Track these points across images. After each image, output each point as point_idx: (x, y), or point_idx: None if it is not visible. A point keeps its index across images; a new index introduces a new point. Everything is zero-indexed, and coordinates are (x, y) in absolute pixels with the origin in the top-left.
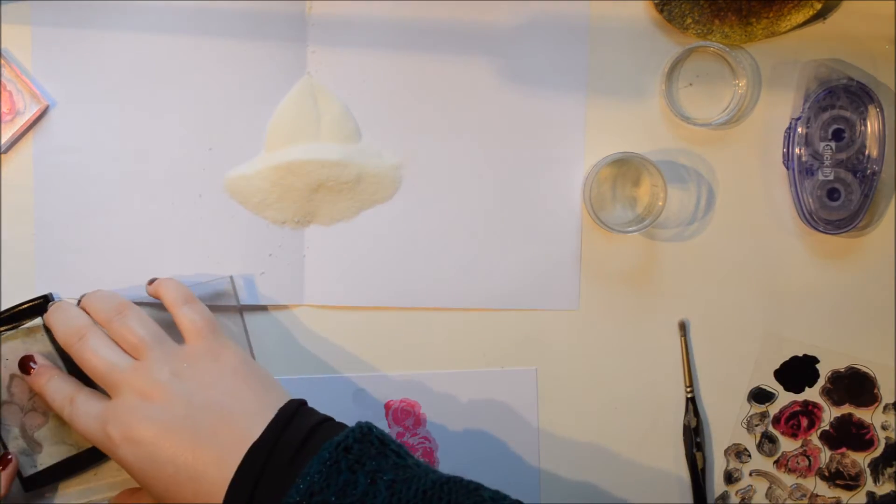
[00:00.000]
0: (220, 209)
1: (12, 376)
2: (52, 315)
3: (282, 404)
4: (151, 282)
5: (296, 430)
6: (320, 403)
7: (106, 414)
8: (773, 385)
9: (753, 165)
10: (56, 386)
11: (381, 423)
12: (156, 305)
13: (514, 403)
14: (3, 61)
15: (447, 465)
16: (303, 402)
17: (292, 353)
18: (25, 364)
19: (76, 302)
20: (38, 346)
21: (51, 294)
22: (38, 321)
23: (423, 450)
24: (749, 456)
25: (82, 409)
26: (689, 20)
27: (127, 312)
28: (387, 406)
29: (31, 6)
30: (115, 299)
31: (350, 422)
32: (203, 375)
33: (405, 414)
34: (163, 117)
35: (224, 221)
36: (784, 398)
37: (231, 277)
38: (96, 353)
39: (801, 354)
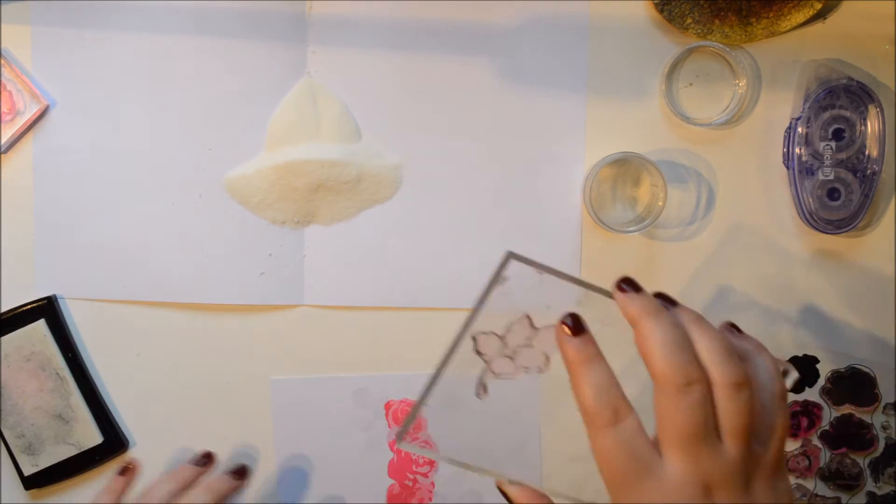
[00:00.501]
0: (220, 209)
1: None
2: (652, 320)
3: None
4: (623, 287)
5: None
6: (321, 403)
7: (656, 478)
8: None
9: (753, 165)
10: (602, 377)
11: (381, 423)
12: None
13: (515, 405)
14: (3, 61)
15: (447, 467)
16: None
17: (292, 353)
18: (574, 322)
19: None
20: (39, 347)
21: (54, 296)
22: (40, 322)
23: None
24: None
25: (629, 444)
26: (689, 20)
27: (747, 388)
28: (387, 406)
29: (31, 6)
30: (738, 364)
31: (350, 421)
32: (767, 496)
33: (405, 414)
34: (163, 117)
35: (224, 221)
36: None
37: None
38: (694, 414)
39: (801, 354)
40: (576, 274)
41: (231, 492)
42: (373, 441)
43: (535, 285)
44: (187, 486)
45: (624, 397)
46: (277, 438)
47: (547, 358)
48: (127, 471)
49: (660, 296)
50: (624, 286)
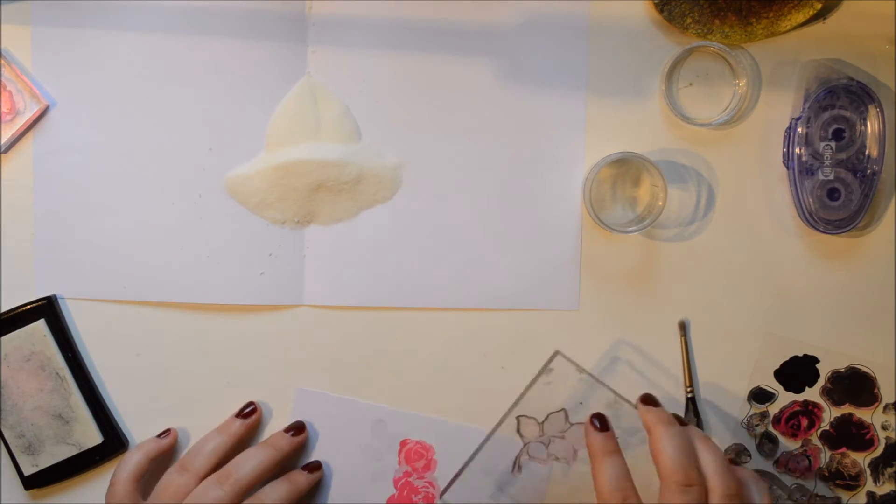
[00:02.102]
0: (220, 209)
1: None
2: (665, 432)
3: None
4: (647, 401)
5: None
6: (339, 423)
7: None
8: (773, 385)
9: (753, 165)
10: (616, 470)
11: (392, 458)
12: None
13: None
14: (3, 61)
15: None
16: None
17: (292, 353)
18: (601, 422)
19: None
20: (39, 347)
21: (54, 296)
22: (40, 322)
23: (426, 494)
24: (749, 456)
25: None
26: (689, 20)
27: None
28: (402, 443)
29: (31, 6)
30: (736, 481)
31: (362, 448)
32: None
33: (417, 456)
34: (163, 117)
35: (224, 221)
36: (784, 398)
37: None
38: None
39: (801, 354)
40: (575, 273)
41: (292, 448)
42: (379, 473)
43: (575, 384)
44: (237, 439)
45: (633, 487)
46: None
47: (575, 452)
48: (166, 435)
49: (676, 416)
50: (647, 399)
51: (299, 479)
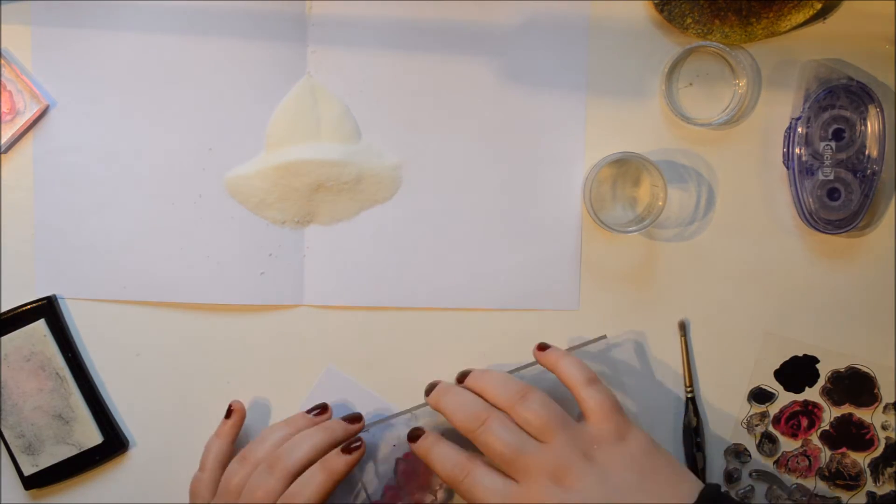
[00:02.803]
0: (220, 209)
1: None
2: (445, 399)
3: (699, 489)
4: (542, 347)
5: None
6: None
7: (516, 496)
8: (773, 385)
9: (753, 165)
10: (443, 453)
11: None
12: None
13: None
14: (3, 61)
15: None
16: (718, 486)
17: (292, 353)
18: (410, 435)
19: (455, 381)
20: (39, 347)
21: (54, 296)
22: (40, 322)
23: None
24: (749, 456)
25: (483, 483)
26: (689, 20)
27: (529, 396)
28: (406, 455)
29: (31, 6)
30: (514, 383)
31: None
32: (614, 457)
33: (414, 473)
34: (163, 117)
35: (224, 221)
36: (784, 398)
37: (605, 337)
38: (500, 438)
39: (801, 354)
40: (575, 273)
41: (347, 436)
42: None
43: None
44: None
45: (464, 452)
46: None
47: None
48: (232, 412)
49: (461, 375)
50: (429, 387)
51: (336, 464)
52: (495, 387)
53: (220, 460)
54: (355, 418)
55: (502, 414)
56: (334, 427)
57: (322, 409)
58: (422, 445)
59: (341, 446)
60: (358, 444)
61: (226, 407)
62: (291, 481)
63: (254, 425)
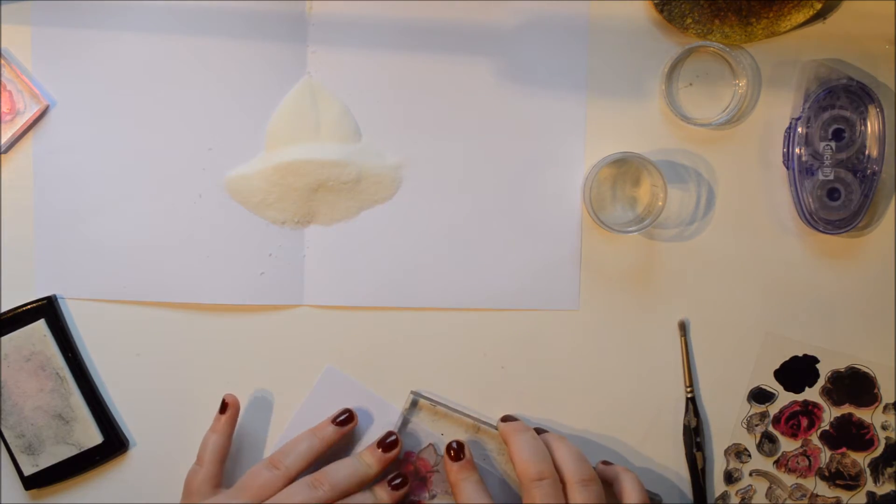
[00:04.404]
0: (220, 209)
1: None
2: (521, 436)
3: None
4: (505, 419)
5: None
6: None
7: None
8: (773, 385)
9: (753, 165)
10: (472, 490)
11: (392, 466)
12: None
13: None
14: (3, 61)
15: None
16: None
17: (292, 353)
18: (455, 451)
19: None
20: (39, 347)
21: (54, 296)
22: (40, 322)
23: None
24: (749, 456)
25: None
26: (689, 20)
27: (592, 485)
28: (407, 454)
29: (31, 6)
30: (586, 466)
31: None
32: None
33: (416, 473)
34: (163, 117)
35: (224, 221)
36: (784, 398)
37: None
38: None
39: (801, 354)
40: (575, 273)
41: (385, 465)
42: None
43: (435, 417)
44: (330, 444)
45: (489, 494)
46: (290, 427)
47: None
48: (227, 406)
49: (536, 429)
50: (506, 418)
51: (381, 495)
52: (569, 457)
53: (219, 455)
54: (392, 444)
55: (559, 484)
56: (371, 460)
57: (348, 416)
58: (453, 471)
59: (388, 479)
60: (401, 481)
61: None
62: (338, 499)
63: (254, 425)
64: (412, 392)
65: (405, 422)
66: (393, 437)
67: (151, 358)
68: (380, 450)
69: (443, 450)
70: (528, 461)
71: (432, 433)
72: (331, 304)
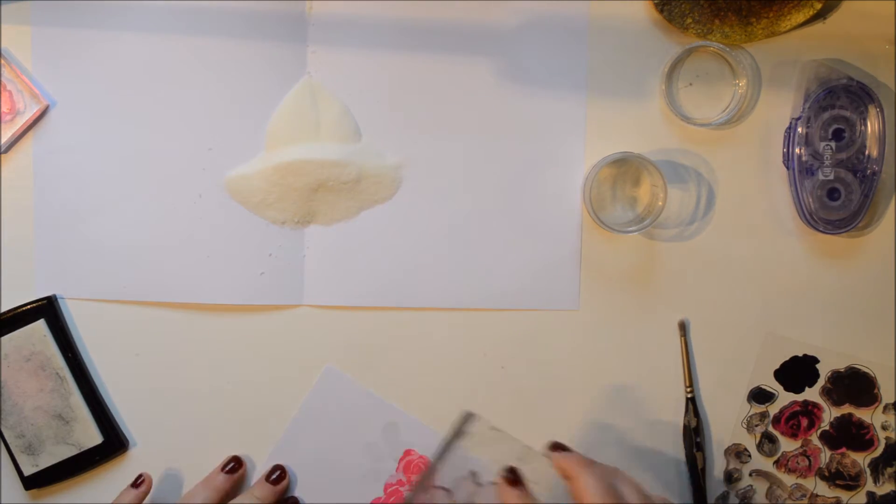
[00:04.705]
0: (220, 209)
1: None
2: (588, 472)
3: None
4: (556, 447)
5: None
6: (353, 416)
7: None
8: (773, 385)
9: (753, 165)
10: None
11: (391, 463)
12: None
13: None
14: (3, 61)
15: None
16: None
17: (292, 353)
18: (512, 478)
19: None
20: (39, 347)
21: (54, 296)
22: (40, 322)
23: None
24: (749, 456)
25: None
26: (689, 20)
27: None
28: (406, 452)
29: (31, 6)
30: None
31: (366, 444)
32: None
33: (416, 469)
34: (163, 117)
35: (224, 221)
36: (784, 398)
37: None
38: None
39: (801, 354)
40: (575, 273)
41: (276, 498)
42: (374, 473)
43: (487, 441)
44: (223, 494)
45: None
46: (290, 427)
47: None
48: (140, 483)
49: (558, 445)
50: (556, 446)
51: (259, 493)
52: (638, 499)
53: None
54: (279, 478)
55: None
56: (264, 493)
57: (236, 464)
58: (518, 501)
59: (265, 474)
60: (279, 475)
61: (226, 406)
62: None
63: (254, 426)
64: (467, 411)
65: (448, 447)
66: (279, 472)
67: (151, 358)
68: (268, 483)
69: (484, 478)
70: (592, 486)
71: (475, 459)
72: (331, 304)
